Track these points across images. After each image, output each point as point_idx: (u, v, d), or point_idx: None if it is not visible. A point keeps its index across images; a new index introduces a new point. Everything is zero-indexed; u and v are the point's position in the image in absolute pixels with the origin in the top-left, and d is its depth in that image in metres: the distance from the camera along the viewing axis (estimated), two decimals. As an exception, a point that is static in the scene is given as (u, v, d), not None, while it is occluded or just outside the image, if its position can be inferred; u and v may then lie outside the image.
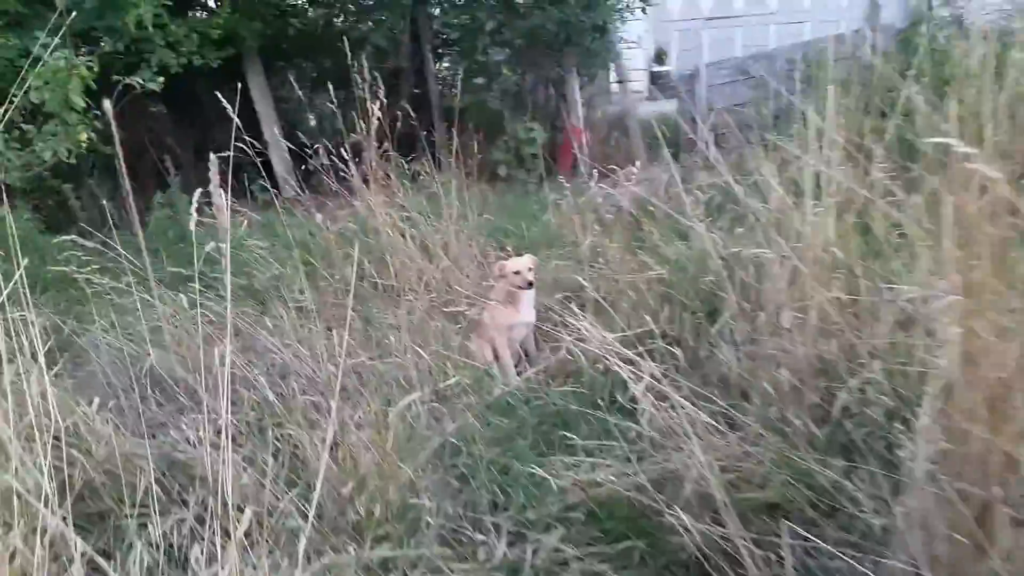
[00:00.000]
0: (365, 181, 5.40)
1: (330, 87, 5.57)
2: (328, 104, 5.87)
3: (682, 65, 19.75)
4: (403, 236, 4.94)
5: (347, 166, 5.33)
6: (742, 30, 19.11)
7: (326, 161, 5.39)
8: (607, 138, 9.54)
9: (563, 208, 6.86)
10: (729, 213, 4.81)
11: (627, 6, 10.09)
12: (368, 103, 4.88)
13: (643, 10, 10.19)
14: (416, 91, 10.26)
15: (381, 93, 5.13)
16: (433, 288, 4.76)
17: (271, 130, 10.47)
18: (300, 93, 9.62)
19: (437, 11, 10.34)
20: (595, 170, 9.03)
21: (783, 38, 17.85)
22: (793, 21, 18.50)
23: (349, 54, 5.52)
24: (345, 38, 5.80)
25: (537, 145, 9.35)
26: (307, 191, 7.77)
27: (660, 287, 3.70)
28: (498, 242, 5.75)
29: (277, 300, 4.14)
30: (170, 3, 7.76)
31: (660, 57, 19.26)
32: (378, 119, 5.09)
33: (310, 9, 10.97)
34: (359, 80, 5.40)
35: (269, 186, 5.77)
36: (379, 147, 5.09)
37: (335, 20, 11.12)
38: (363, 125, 5.09)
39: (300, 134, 6.19)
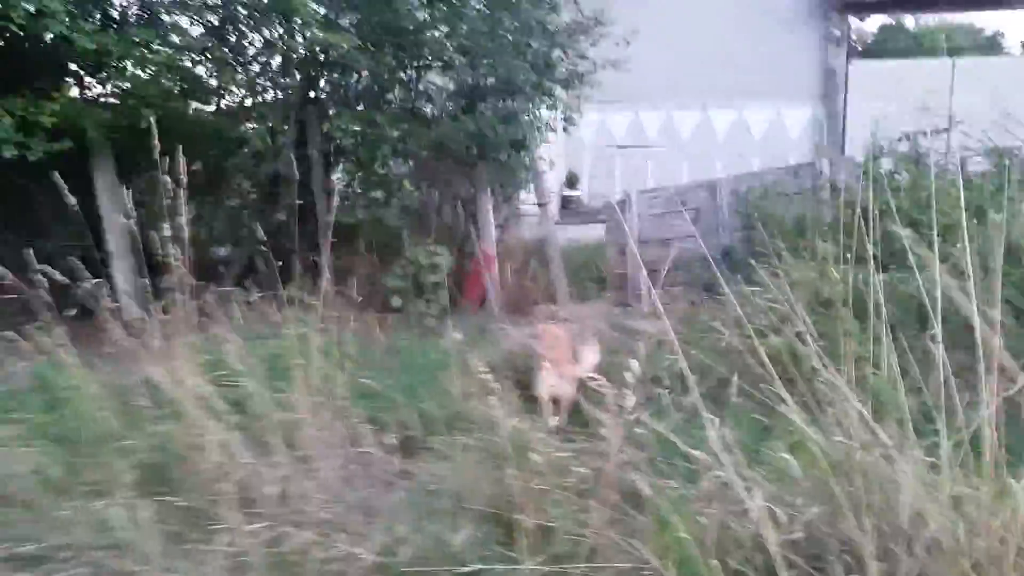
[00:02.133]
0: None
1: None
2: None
3: (594, 190, 19.15)
4: (221, 419, 3.17)
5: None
6: (654, 160, 18.69)
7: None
8: (523, 268, 8.12)
9: (472, 363, 5.28)
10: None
11: (548, 125, 8.97)
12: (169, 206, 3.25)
13: (565, 129, 9.09)
14: (300, 203, 8.65)
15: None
16: (268, 506, 2.98)
17: (116, 239, 8.63)
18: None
19: (331, 112, 8.91)
20: (506, 306, 7.43)
21: (694, 171, 17.50)
22: (706, 155, 18.21)
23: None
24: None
25: (441, 272, 7.83)
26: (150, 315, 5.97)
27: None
28: (378, 421, 4.03)
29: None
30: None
31: (572, 181, 18.49)
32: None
33: (179, 102, 9.33)
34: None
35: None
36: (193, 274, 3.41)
37: (209, 116, 9.52)
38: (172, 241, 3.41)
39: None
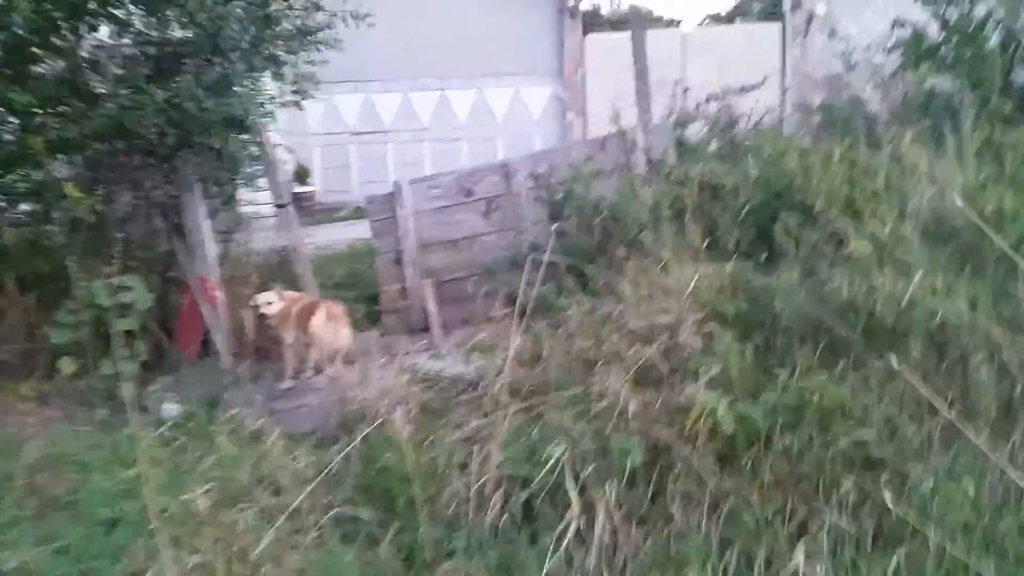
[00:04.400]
0: None
1: None
2: None
3: (328, 186, 16.97)
4: None
5: None
6: (393, 147, 16.89)
7: None
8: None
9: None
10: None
11: (272, 99, 6.72)
12: None
13: (298, 104, 6.91)
14: None
15: None
16: None
17: None
18: None
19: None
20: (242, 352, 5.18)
21: (438, 157, 16.09)
22: (448, 139, 16.80)
23: None
24: None
25: (136, 315, 5.38)
26: None
27: None
28: None
29: None
30: None
31: (302, 176, 16.09)
32: None
33: None
34: None
35: None
36: None
37: None
38: None
39: None
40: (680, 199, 4.59)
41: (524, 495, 2.75)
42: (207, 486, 2.98)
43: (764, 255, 4.15)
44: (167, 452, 3.82)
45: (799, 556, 2.15)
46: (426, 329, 5.77)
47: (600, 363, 3.37)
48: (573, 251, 5.06)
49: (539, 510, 2.68)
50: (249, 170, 6.33)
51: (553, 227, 5.41)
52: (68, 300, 5.49)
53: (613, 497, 2.49)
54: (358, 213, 14.94)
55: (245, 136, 6.02)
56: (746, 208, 4.37)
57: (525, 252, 5.75)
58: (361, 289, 6.55)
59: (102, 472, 3.58)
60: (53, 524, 3.20)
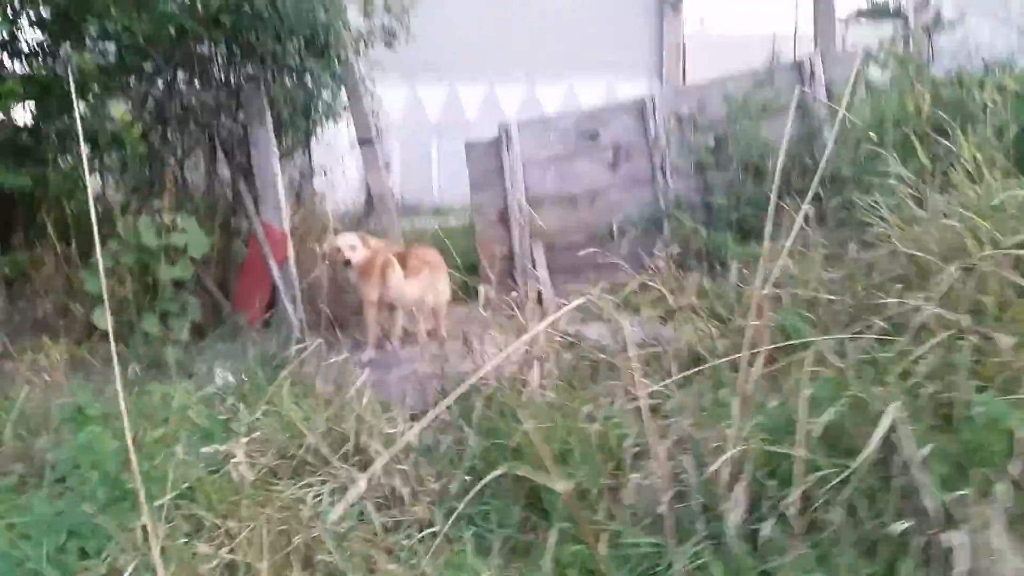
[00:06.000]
0: None
1: None
2: None
3: (408, 184, 16.04)
4: None
5: None
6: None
7: None
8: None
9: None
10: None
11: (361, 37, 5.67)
12: None
13: (388, 43, 5.85)
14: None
15: None
16: None
17: None
18: None
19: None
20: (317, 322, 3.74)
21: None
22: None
23: None
24: None
25: (188, 265, 4.39)
26: None
27: None
28: None
29: None
30: None
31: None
32: None
33: None
34: None
35: None
36: None
37: None
38: None
39: None
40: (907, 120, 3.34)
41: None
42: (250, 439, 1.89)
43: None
44: (209, 412, 2.78)
45: None
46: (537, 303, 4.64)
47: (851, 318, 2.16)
48: (737, 202, 3.85)
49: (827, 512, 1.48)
50: (327, 99, 5.20)
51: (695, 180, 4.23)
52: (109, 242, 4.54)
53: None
54: (438, 213, 13.95)
55: (327, 52, 4.89)
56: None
57: (664, 209, 4.58)
58: (454, 259, 5.46)
59: (113, 433, 2.53)
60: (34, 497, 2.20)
